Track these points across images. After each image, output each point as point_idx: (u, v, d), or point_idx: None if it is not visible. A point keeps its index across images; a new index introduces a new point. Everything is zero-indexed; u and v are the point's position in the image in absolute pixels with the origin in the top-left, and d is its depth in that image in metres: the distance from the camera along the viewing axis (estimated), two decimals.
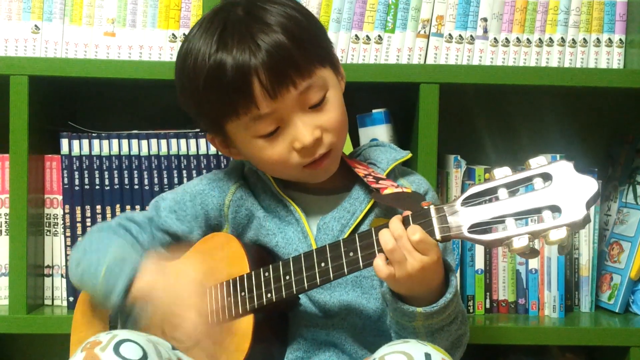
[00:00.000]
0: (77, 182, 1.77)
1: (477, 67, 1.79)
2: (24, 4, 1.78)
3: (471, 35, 1.81)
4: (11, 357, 2.00)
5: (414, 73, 1.74)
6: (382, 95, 1.93)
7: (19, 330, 1.74)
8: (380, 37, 1.80)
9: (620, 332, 1.74)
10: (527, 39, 1.82)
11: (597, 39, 1.83)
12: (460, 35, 1.81)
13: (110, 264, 1.34)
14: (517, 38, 1.81)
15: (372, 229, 1.24)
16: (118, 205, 1.77)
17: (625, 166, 1.94)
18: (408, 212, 1.22)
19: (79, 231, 1.77)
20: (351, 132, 1.80)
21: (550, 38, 1.82)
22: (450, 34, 1.81)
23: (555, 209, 1.10)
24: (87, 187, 1.77)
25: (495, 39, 1.81)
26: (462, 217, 1.16)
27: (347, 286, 1.38)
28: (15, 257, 1.72)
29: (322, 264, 1.27)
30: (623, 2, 1.83)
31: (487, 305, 1.82)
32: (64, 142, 1.76)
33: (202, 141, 1.77)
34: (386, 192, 1.34)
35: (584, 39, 1.82)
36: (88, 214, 1.77)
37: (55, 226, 1.80)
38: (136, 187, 1.77)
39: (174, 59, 1.45)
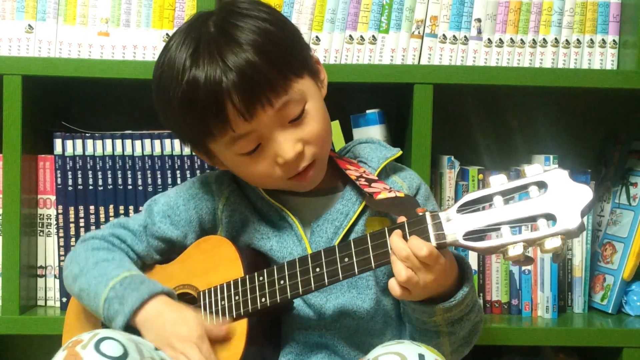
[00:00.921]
0: (70, 182, 1.76)
1: (471, 68, 1.79)
2: (18, 3, 1.77)
3: (465, 36, 1.81)
4: (3, 358, 2.00)
5: (408, 73, 1.74)
6: (376, 95, 1.93)
7: (11, 331, 1.74)
8: (374, 38, 1.80)
9: (613, 333, 1.75)
10: (521, 40, 1.82)
11: (591, 39, 1.83)
12: (454, 36, 1.81)
13: (109, 297, 1.34)
14: (511, 39, 1.81)
15: (368, 235, 1.24)
16: (112, 206, 1.77)
17: (618, 167, 1.94)
18: (403, 219, 1.22)
19: (72, 231, 1.76)
20: (345, 133, 1.80)
21: (544, 39, 1.82)
22: (444, 35, 1.81)
23: (550, 217, 1.11)
24: (80, 187, 1.76)
25: (489, 39, 1.81)
26: (458, 224, 1.16)
27: (343, 287, 1.38)
28: (8, 257, 1.72)
29: (317, 269, 1.28)
30: (617, 3, 1.83)
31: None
32: (58, 142, 1.76)
33: None
34: (380, 197, 1.34)
35: (578, 39, 1.82)
36: (81, 214, 1.77)
37: (49, 226, 1.80)
38: (130, 187, 1.77)
39: None
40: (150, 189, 1.77)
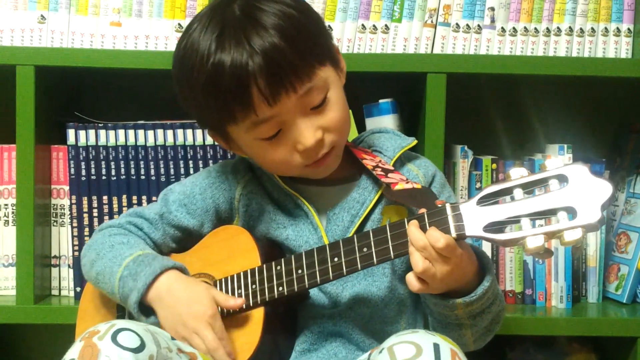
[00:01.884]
0: (83, 172, 1.76)
1: (484, 57, 1.78)
2: None
3: (478, 25, 1.80)
4: (18, 347, 2.01)
5: (421, 63, 1.73)
6: (389, 85, 1.92)
7: (26, 320, 1.74)
8: (387, 27, 1.79)
9: (628, 323, 1.74)
10: (535, 29, 1.81)
11: (605, 28, 1.82)
12: (467, 25, 1.80)
13: (124, 275, 1.35)
14: (525, 27, 1.81)
15: (387, 225, 1.24)
16: (125, 196, 1.77)
17: (632, 156, 1.93)
18: (423, 210, 1.22)
19: (86, 221, 1.77)
20: (358, 122, 1.80)
21: (558, 27, 1.81)
22: (457, 24, 1.80)
23: (570, 211, 1.11)
24: (93, 177, 1.76)
25: (502, 28, 1.80)
26: (478, 216, 1.16)
27: (359, 275, 1.38)
28: (23, 247, 1.72)
29: (335, 259, 1.28)
30: None
31: None
32: (71, 133, 1.76)
33: None
34: (397, 187, 1.34)
35: (592, 28, 1.81)
36: (95, 204, 1.77)
37: (62, 217, 1.80)
38: (142, 177, 1.77)
39: None
40: (163, 179, 1.77)
